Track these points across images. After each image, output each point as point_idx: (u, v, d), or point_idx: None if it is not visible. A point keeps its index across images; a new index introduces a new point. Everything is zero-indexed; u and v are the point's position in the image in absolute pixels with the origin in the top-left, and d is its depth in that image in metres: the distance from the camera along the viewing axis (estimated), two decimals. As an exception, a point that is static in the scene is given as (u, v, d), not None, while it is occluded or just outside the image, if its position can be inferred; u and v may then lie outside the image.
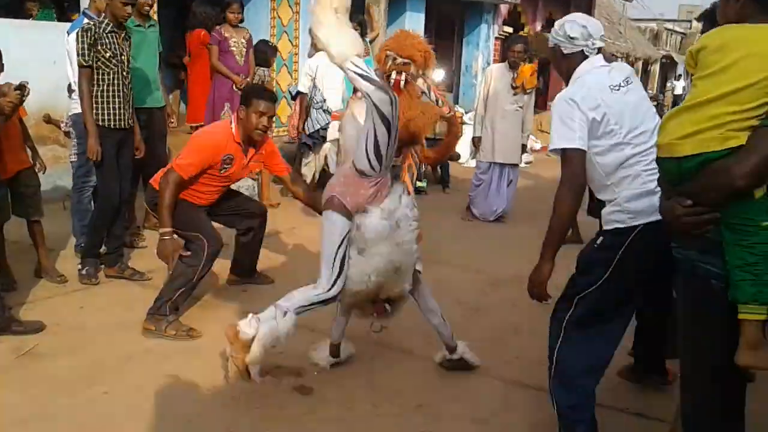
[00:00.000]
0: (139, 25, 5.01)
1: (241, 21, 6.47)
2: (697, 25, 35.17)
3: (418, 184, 7.96)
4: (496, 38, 13.70)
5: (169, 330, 3.74)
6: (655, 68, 30.09)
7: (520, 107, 6.74)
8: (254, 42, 6.67)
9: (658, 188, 2.26)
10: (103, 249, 4.56)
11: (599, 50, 2.77)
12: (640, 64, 25.65)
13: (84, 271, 4.44)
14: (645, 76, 28.87)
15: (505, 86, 6.63)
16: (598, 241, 2.61)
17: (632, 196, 2.52)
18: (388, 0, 8.24)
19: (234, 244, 4.52)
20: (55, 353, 3.48)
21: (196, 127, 6.33)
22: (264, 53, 6.68)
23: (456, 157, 9.95)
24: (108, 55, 4.20)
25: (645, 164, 2.52)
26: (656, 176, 2.26)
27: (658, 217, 2.19)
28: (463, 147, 10.38)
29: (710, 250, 1.95)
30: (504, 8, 13.91)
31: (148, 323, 3.77)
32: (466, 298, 4.57)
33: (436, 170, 8.89)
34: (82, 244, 4.67)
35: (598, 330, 2.61)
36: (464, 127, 9.84)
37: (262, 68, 6.63)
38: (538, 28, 15.24)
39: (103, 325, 3.86)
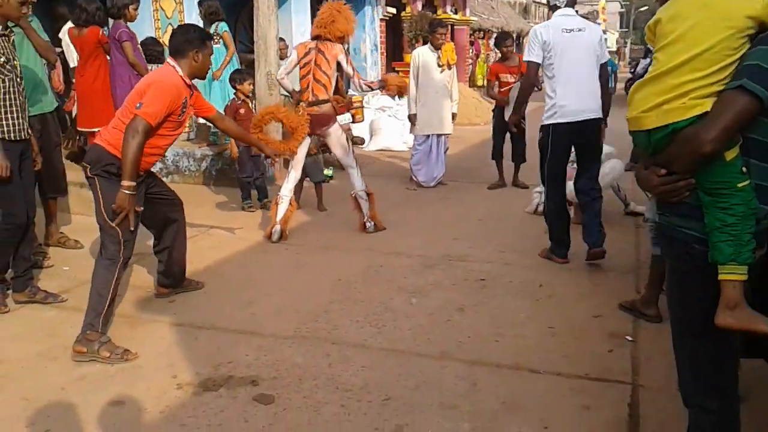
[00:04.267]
0: (18, 24, 4.56)
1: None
2: (561, -3, 36.70)
3: (326, 172, 7.83)
4: (381, 19, 13.68)
5: (103, 351, 3.43)
6: (527, 40, 31.20)
7: (447, 82, 7.56)
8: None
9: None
10: (9, 273, 4.14)
11: (568, 3, 4.81)
12: (513, 36, 26.50)
13: (-10, 300, 4.02)
14: (518, 48, 29.83)
15: (433, 65, 7.45)
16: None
17: None
18: (275, -15, 7.99)
19: (160, 255, 4.22)
20: (-23, 395, 3.14)
21: (91, 133, 5.88)
22: (161, 52, 6.35)
23: (360, 142, 9.89)
24: (1, 60, 3.80)
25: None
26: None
27: None
28: (364, 131, 10.35)
29: (690, 214, 1.99)
30: (385, -12, 13.92)
31: (78, 346, 3.45)
32: (404, 283, 4.52)
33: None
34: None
35: None
36: (364, 111, 9.79)
37: (157, 65, 6.29)
38: (419, 7, 15.37)
39: (26, 357, 3.51)
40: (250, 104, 6.72)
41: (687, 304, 2.08)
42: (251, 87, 6.66)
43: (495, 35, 10.55)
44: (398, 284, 4.50)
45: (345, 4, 5.53)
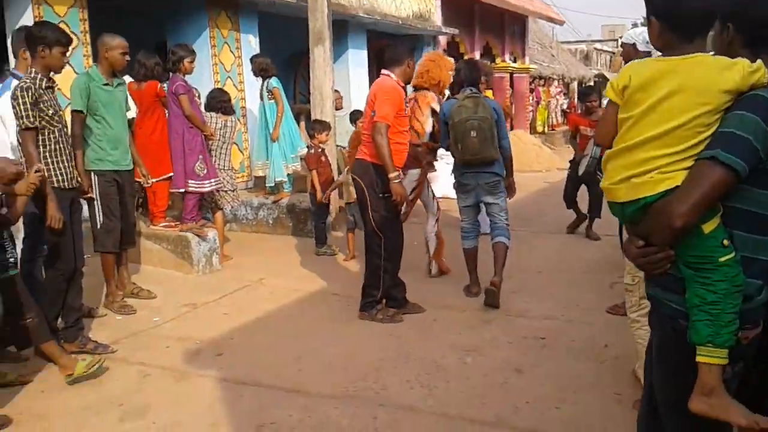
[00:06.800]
0: (107, 84, 4.71)
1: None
2: (623, 44, 36.51)
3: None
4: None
5: (378, 315, 4.68)
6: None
7: None
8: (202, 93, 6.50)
9: None
10: (60, 323, 4.14)
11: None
12: (575, 84, 26.25)
13: (40, 350, 4.01)
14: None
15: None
16: None
17: None
18: (332, 39, 8.07)
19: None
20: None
21: (156, 182, 5.92)
22: (228, 102, 6.48)
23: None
24: (51, 112, 3.94)
25: None
26: None
27: None
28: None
29: (672, 287, 1.85)
30: (443, 39, 13.97)
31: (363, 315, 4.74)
32: (458, 340, 4.32)
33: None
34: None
35: None
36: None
37: (230, 117, 6.43)
38: (477, 56, 15.38)
39: (70, 410, 3.45)
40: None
41: (671, 381, 1.93)
42: (328, 138, 6.87)
43: (578, 90, 10.47)
44: (452, 341, 4.30)
45: (439, 53, 5.94)
